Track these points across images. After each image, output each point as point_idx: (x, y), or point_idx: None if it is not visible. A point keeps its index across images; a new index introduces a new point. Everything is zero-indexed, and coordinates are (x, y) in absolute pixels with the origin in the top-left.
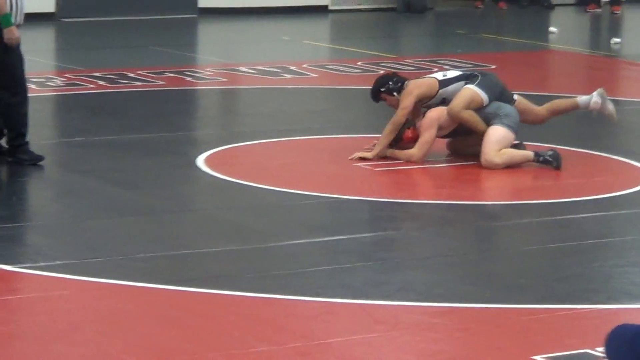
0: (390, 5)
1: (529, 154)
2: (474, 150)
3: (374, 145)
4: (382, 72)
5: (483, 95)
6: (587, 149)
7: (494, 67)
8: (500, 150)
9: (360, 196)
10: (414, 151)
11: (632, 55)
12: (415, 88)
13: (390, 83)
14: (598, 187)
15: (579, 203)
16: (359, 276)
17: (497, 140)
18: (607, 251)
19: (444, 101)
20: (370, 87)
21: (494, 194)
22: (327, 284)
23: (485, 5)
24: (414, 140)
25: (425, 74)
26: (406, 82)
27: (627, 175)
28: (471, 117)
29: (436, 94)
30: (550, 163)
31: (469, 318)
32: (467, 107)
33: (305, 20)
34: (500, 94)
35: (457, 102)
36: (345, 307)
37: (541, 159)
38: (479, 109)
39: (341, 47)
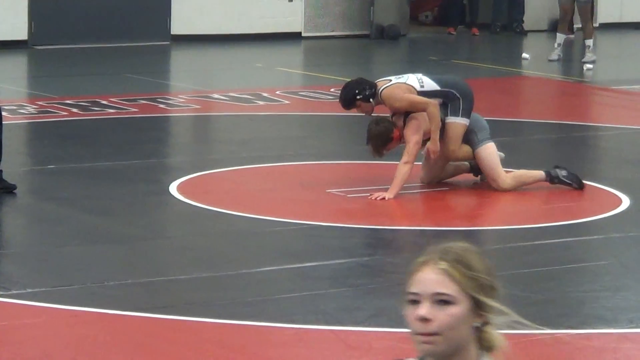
0: (364, 32)
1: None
2: (445, 176)
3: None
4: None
5: (467, 122)
6: None
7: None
8: (499, 168)
9: (333, 223)
10: (405, 158)
11: (604, 81)
12: (402, 97)
13: (366, 89)
14: (571, 212)
15: (551, 228)
16: (332, 302)
17: (495, 163)
18: (581, 276)
19: None
20: (340, 95)
21: (466, 220)
22: (300, 311)
23: (458, 32)
24: (401, 138)
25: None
26: (380, 90)
27: (599, 201)
28: (467, 153)
29: None
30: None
31: None
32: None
33: (278, 47)
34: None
35: (456, 146)
36: (318, 333)
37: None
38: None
39: (314, 74)
